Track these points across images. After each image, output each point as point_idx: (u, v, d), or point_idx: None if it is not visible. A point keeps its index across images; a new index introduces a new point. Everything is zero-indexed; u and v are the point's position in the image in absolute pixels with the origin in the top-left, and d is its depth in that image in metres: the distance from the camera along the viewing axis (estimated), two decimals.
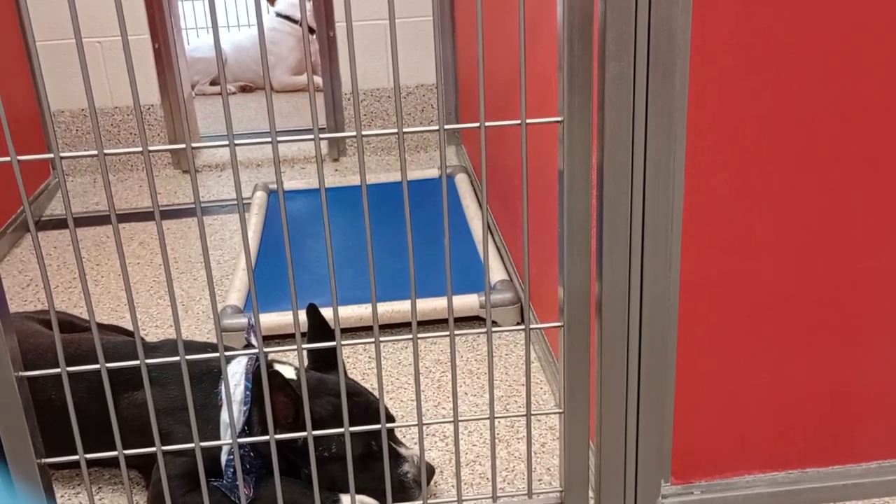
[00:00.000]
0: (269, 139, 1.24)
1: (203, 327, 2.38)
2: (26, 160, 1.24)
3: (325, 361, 1.70)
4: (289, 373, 1.66)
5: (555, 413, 1.64)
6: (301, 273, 2.36)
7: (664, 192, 1.35)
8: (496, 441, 1.82)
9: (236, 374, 1.60)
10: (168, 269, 1.31)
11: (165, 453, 1.43)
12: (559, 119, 1.30)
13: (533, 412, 1.50)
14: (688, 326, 1.47)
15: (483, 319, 2.26)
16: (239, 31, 5.29)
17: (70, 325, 1.96)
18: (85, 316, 2.09)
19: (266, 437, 1.43)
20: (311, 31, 3.79)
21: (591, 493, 1.57)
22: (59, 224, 3.12)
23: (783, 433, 1.59)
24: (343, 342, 1.39)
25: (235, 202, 3.39)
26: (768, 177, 1.41)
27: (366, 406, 1.61)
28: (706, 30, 1.30)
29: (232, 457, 1.53)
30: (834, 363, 1.54)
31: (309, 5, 3.59)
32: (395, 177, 3.16)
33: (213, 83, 4.79)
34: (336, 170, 3.52)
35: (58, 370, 1.35)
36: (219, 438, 1.58)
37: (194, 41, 5.13)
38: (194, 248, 2.87)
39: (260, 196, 3.00)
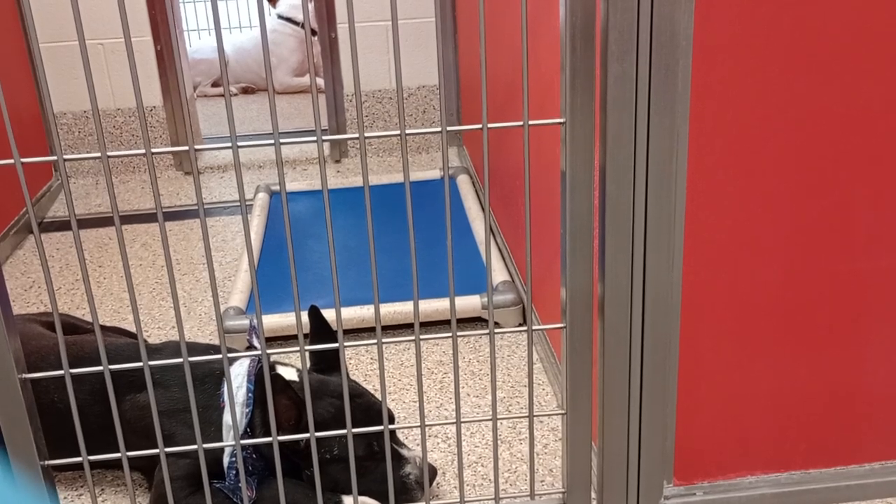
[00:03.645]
0: (272, 141, 1.24)
1: (205, 329, 2.38)
2: (29, 162, 1.24)
3: (327, 363, 1.70)
4: (290, 374, 1.66)
5: (557, 414, 1.64)
6: (303, 274, 2.36)
7: (666, 193, 1.35)
8: (498, 442, 1.82)
9: (238, 375, 1.60)
10: (171, 270, 1.31)
11: (168, 455, 1.43)
12: (561, 120, 1.30)
13: (535, 413, 1.50)
14: (690, 327, 1.47)
15: (485, 320, 2.26)
16: (240, 33, 5.30)
17: (73, 327, 1.96)
18: (87, 318, 2.09)
19: (268, 439, 1.43)
20: (313, 32, 3.80)
21: (593, 495, 1.57)
22: (62, 226, 3.12)
23: (786, 434, 1.59)
24: (345, 343, 1.39)
25: (238, 204, 3.39)
26: (771, 177, 1.41)
27: (367, 407, 1.61)
28: (708, 30, 1.30)
29: (234, 458, 1.53)
30: (837, 363, 1.54)
31: (311, 7, 3.59)
32: (396, 178, 3.16)
33: (214, 84, 4.80)
34: (338, 171, 3.53)
35: (61, 372, 1.35)
36: (221, 440, 1.58)
37: (196, 43, 5.13)
38: (196, 249, 2.87)
39: (262, 197, 3.00)
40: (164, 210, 1.35)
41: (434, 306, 2.20)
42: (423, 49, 3.51)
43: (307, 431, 1.44)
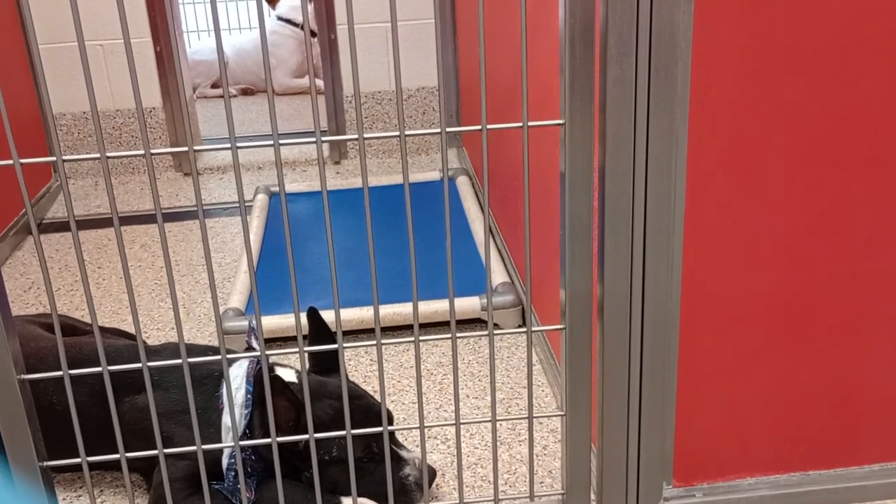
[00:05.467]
0: (271, 142, 1.24)
1: (204, 330, 2.38)
2: (28, 163, 1.24)
3: (326, 364, 1.70)
4: (289, 376, 1.66)
5: (557, 416, 1.64)
6: (302, 275, 2.36)
7: (666, 195, 1.35)
8: (498, 444, 1.82)
9: (237, 377, 1.60)
10: (170, 271, 1.31)
11: (167, 456, 1.43)
12: (561, 122, 1.30)
13: (535, 415, 1.50)
14: (689, 328, 1.47)
15: (484, 322, 2.26)
16: (240, 34, 5.30)
17: (72, 328, 1.96)
18: (86, 319, 2.09)
19: (267, 440, 1.43)
20: (313, 34, 3.80)
21: (592, 496, 1.57)
22: (61, 227, 3.12)
23: (786, 435, 1.59)
24: (344, 345, 1.39)
25: (237, 205, 3.39)
26: (770, 179, 1.41)
27: (367, 409, 1.61)
28: (708, 32, 1.30)
29: (233, 460, 1.53)
30: (836, 365, 1.54)
31: (310, 8, 3.59)
32: (396, 179, 3.16)
33: (214, 86, 4.80)
34: (337, 172, 3.52)
35: (60, 373, 1.35)
36: (220, 442, 1.58)
37: (195, 44, 5.13)
38: (196, 250, 2.87)
39: (261, 199, 3.00)
40: (163, 211, 1.35)
41: (433, 307, 2.20)
42: (423, 50, 3.51)
43: (306, 433, 1.44)
